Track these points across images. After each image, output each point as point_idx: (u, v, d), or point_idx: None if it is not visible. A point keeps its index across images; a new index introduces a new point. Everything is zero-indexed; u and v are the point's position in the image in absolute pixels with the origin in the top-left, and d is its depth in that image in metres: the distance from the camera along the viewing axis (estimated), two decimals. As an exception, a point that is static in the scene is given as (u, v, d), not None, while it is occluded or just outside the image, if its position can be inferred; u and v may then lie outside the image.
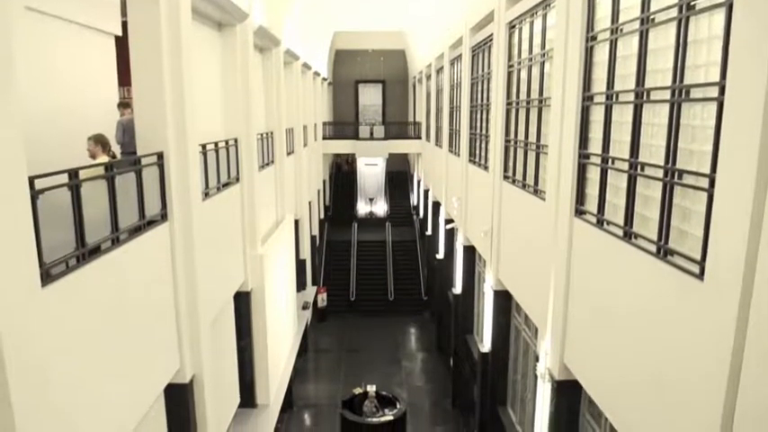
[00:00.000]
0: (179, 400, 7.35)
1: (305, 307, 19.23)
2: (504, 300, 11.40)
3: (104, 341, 5.28)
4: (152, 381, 6.56)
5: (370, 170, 34.64)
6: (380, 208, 34.06)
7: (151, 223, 6.55)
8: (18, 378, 3.84)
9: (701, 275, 4.39)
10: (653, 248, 5.22)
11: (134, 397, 6.00)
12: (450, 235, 18.16)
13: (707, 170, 4.48)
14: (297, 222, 18.77)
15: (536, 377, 8.79)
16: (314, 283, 23.05)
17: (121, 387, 5.63)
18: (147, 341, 6.32)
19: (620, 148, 6.16)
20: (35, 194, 4.18)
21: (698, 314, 4.39)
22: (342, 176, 35.52)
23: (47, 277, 4.39)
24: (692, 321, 4.48)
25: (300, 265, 19.71)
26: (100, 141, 6.35)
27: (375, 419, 14.74)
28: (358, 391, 15.99)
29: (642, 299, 5.43)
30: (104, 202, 5.53)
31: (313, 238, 23.20)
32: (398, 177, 35.59)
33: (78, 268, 4.85)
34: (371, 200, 34.14)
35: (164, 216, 6.90)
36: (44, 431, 4.17)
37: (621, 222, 5.92)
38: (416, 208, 31.06)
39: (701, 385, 4.32)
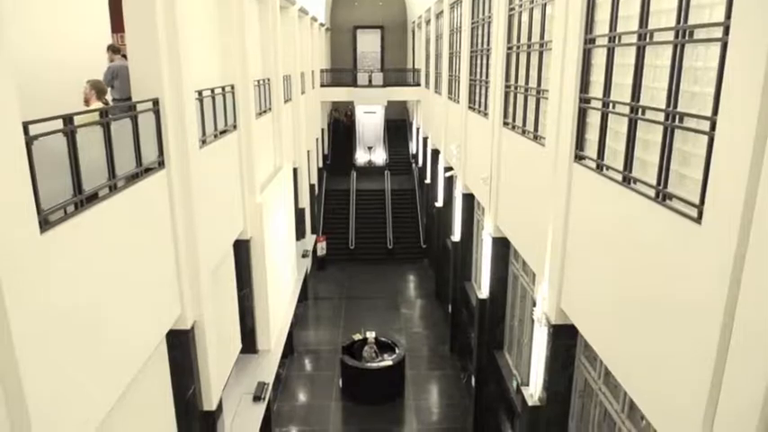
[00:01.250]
0: (180, 346, 7.49)
1: (304, 255, 19.39)
2: (502, 247, 11.49)
3: (104, 287, 5.33)
4: (153, 326, 6.66)
5: (369, 118, 34.26)
6: (379, 157, 33.88)
7: (148, 171, 6.51)
8: (21, 325, 3.89)
9: (698, 219, 4.39)
10: (652, 193, 5.22)
11: (136, 342, 6.10)
12: (449, 183, 18.14)
13: (708, 113, 4.42)
14: (295, 171, 18.69)
15: (533, 322, 8.95)
16: (313, 232, 23.18)
17: (123, 332, 5.72)
18: (147, 288, 6.39)
19: (622, 91, 6.07)
20: (30, 140, 4.13)
21: (695, 257, 4.43)
22: (340, 132, 35.04)
23: (45, 224, 4.39)
24: (689, 265, 4.52)
25: (299, 213, 19.77)
26: (96, 87, 6.25)
27: (374, 364, 15.13)
28: (358, 336, 16.35)
29: (639, 244, 5.46)
30: (100, 148, 5.47)
31: (312, 186, 23.17)
32: (397, 126, 35.27)
33: (76, 215, 4.85)
34: (370, 148, 33.92)
35: (161, 163, 6.85)
36: (47, 377, 4.24)
37: (621, 167, 5.89)
38: (415, 156, 30.89)
39: (695, 328, 4.39)
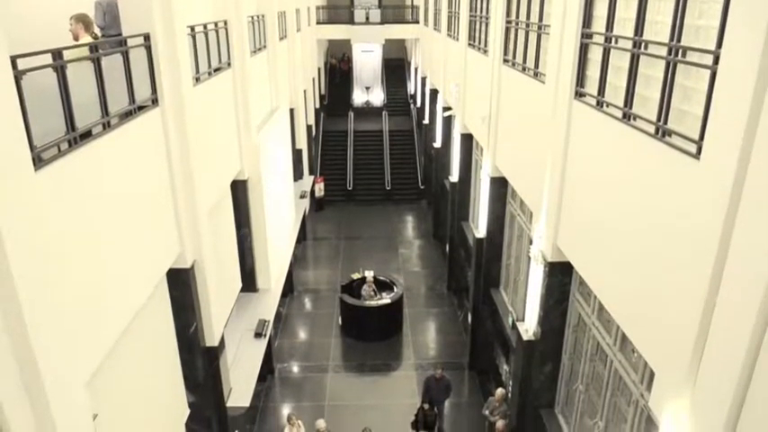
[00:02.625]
0: (181, 284, 7.61)
1: (302, 196, 19.41)
2: (500, 186, 11.49)
3: (102, 225, 5.35)
4: (153, 265, 6.74)
5: (367, 58, 33.54)
6: (377, 97, 33.37)
7: (142, 108, 6.42)
8: (21, 264, 3.92)
9: (697, 155, 4.37)
10: (651, 129, 5.17)
11: (136, 280, 6.18)
12: (448, 123, 17.94)
13: (712, 47, 4.32)
14: (292, 111, 18.46)
15: (529, 260, 9.06)
16: (311, 173, 23.11)
17: (123, 270, 5.78)
18: (145, 226, 6.42)
19: (625, 26, 5.92)
20: (19, 75, 4.04)
21: (691, 193, 4.43)
22: (337, 78, 34.24)
23: (39, 161, 4.36)
24: (686, 200, 4.53)
25: (297, 154, 19.65)
26: (82, 20, 6.06)
27: (373, 302, 15.41)
28: (356, 276, 16.59)
29: (637, 180, 5.46)
30: (92, 85, 5.37)
31: (309, 127, 22.94)
32: (395, 65, 34.57)
33: (70, 152, 4.81)
34: (368, 89, 33.37)
35: (154, 101, 6.75)
36: (49, 314, 4.31)
37: (621, 104, 5.81)
38: (414, 96, 30.44)
39: (689, 264, 4.45)
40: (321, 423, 9.95)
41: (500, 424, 9.65)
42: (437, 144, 20.49)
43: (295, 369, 14.07)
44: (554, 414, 8.87)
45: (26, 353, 4.05)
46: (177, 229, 7.32)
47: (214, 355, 8.47)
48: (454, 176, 16.30)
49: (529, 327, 8.86)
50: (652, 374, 5.53)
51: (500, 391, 10.45)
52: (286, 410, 12.16)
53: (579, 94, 6.96)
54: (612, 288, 6.17)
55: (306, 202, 19.90)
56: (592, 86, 6.70)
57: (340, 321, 15.75)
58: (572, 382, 8.28)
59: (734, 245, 3.94)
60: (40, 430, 4.28)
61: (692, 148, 4.50)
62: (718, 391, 4.04)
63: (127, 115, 6.04)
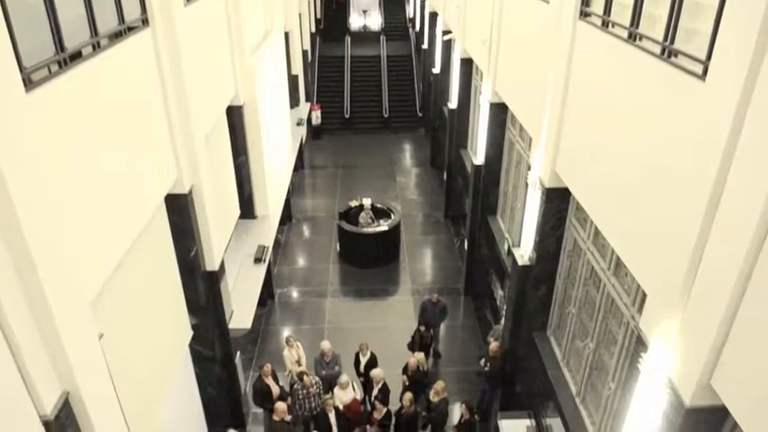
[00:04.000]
0: (180, 210, 7.62)
1: (299, 124, 19.16)
2: (499, 112, 11.34)
3: (97, 148, 5.29)
4: (151, 189, 6.72)
5: (364, -22, 32.28)
6: (375, 21, 32.33)
7: (132, 29, 6.21)
8: (19, 187, 3.91)
9: (703, 75, 4.28)
10: (657, 50, 5.03)
11: (135, 204, 6.18)
12: (448, 47, 17.46)
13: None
14: (287, 35, 17.89)
15: (526, 187, 9.07)
16: (307, 100, 22.71)
17: (121, 193, 5.77)
18: (141, 150, 6.35)
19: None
20: (3, -6, 3.87)
21: (694, 115, 4.38)
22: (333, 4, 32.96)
23: (29, 83, 4.26)
24: (688, 122, 4.48)
25: (293, 80, 19.22)
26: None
27: (371, 229, 15.55)
28: (354, 203, 16.65)
29: (639, 102, 5.37)
30: (79, 3, 5.17)
31: (305, 52, 22.32)
32: (393, -14, 33.29)
33: (61, 74, 4.69)
34: (365, 12, 32.27)
35: (144, 21, 6.52)
36: (50, 236, 4.34)
37: (627, 23, 5.63)
38: (413, 20, 29.50)
39: (688, 185, 4.45)
40: (326, 344, 10.25)
41: (493, 345, 9.96)
42: (436, 70, 20.05)
43: (294, 294, 14.38)
44: (546, 336, 9.15)
45: (30, 273, 4.10)
46: (174, 155, 7.26)
47: (215, 279, 8.61)
48: (453, 103, 16.05)
49: (524, 252, 8.98)
50: (644, 298, 5.66)
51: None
52: (286, 333, 12.50)
53: (584, 14, 6.73)
54: (609, 213, 6.21)
55: (303, 130, 19.66)
56: (597, 5, 6.48)
57: (338, 248, 15.95)
58: (565, 305, 8.49)
59: (734, 169, 3.93)
60: (47, 349, 4.41)
61: (698, 69, 4.40)
62: (709, 312, 4.14)
63: (117, 36, 5.85)
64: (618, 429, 5.83)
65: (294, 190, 19.22)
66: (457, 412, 9.63)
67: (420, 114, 25.64)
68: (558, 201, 7.95)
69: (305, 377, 9.40)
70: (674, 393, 4.60)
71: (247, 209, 12.11)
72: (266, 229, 12.37)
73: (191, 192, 7.71)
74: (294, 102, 19.25)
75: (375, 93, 26.39)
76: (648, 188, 5.19)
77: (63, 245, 4.51)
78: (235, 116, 11.08)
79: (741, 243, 3.78)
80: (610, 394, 6.93)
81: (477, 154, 12.82)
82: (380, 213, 16.36)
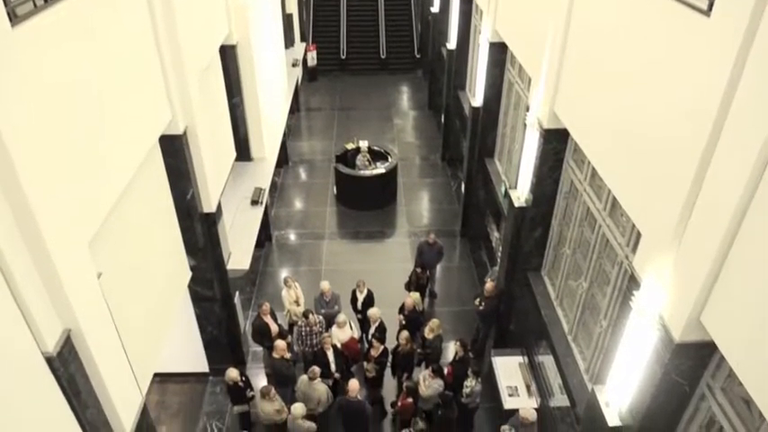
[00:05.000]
0: (175, 151, 7.55)
1: (294, 64, 18.78)
2: (498, 52, 11.10)
3: (88, 88, 5.18)
4: (144, 130, 6.63)
5: None
6: (371, -44, 31.14)
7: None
8: (9, 125, 3.86)
9: (708, 10, 4.16)
10: (662, -16, 4.88)
11: (129, 144, 6.11)
12: (446, -15, 16.94)
13: None
14: (280, -29, 17.27)
15: (525, 128, 8.98)
16: (302, 40, 22.18)
17: (114, 133, 5.70)
18: (133, 91, 6.23)
19: None
20: None
21: (697, 52, 4.29)
22: None
23: (14, 17, 4.12)
24: (690, 60, 4.41)
25: (287, 19, 18.72)
26: None
27: (367, 172, 15.50)
28: (351, 146, 16.52)
29: (642, 40, 5.26)
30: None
31: (299, -11, 21.62)
32: None
33: (47, 8, 4.54)
34: (361, -54, 31.04)
35: (131, -46, 6.27)
36: (44, 176, 4.31)
37: (632, -44, 5.44)
38: (410, -44, 28.41)
39: (687, 123, 4.41)
40: (325, 284, 10.39)
41: (489, 285, 10.11)
42: (435, 9, 19.49)
43: (292, 236, 14.46)
44: (540, 276, 9.29)
45: (26, 214, 4.11)
46: (167, 95, 7.13)
47: (212, 220, 8.63)
48: (452, 43, 15.69)
49: (521, 194, 8.99)
50: (638, 238, 5.71)
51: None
52: (284, 275, 12.65)
53: (588, -53, 6.50)
54: (607, 154, 6.18)
55: (298, 71, 19.28)
56: (602, -62, 6.24)
57: (335, 191, 15.94)
58: (560, 246, 8.57)
59: (734, 107, 3.88)
60: (47, 287, 4.46)
61: (704, 5, 4.28)
62: (702, 251, 4.19)
63: (103, -32, 5.63)
64: (608, 365, 6.00)
65: (290, 132, 19.03)
66: (451, 350, 9.87)
67: (418, 55, 25.10)
68: (555, 142, 7.90)
69: (309, 315, 9.58)
70: (665, 329, 4.70)
71: (243, 151, 12.02)
72: (263, 171, 12.32)
73: (185, 133, 7.62)
74: (289, 42, 18.80)
75: (372, 33, 25.75)
76: (647, 129, 5.14)
77: (57, 185, 4.50)
78: (229, 57, 10.84)
79: (737, 183, 3.79)
80: (601, 332, 7.10)
81: (476, 95, 12.63)
82: (377, 156, 16.27)
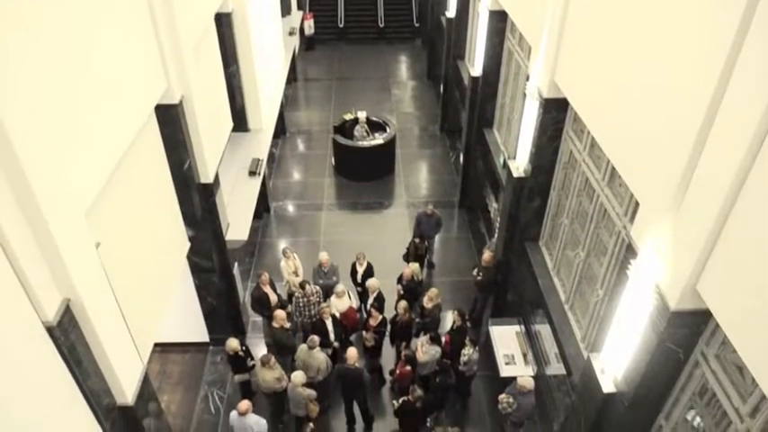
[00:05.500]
0: (171, 121, 7.47)
1: (291, 33, 18.50)
2: (499, 20, 10.93)
3: (81, 55, 5.10)
4: (139, 99, 6.56)
5: None
6: None
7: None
8: (6, 102, 3.81)
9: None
10: (665, -52, 4.79)
11: (125, 113, 6.05)
12: (446, -49, 16.60)
13: None
14: (276, -64, 16.89)
15: (524, 98, 8.90)
16: (299, 8, 21.81)
17: (110, 102, 5.64)
18: (128, 59, 6.14)
19: None
20: None
21: (698, 21, 4.23)
22: None
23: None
24: (692, 23, 4.34)
25: (283, -14, 18.38)
26: None
27: (366, 143, 15.41)
28: (349, 116, 16.39)
29: (642, 7, 5.17)
30: None
31: (295, -44, 21.18)
32: None
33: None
34: None
35: None
36: (39, 146, 4.28)
37: None
38: None
39: (688, 89, 4.38)
40: (324, 255, 10.42)
41: (486, 255, 10.15)
42: (433, -25, 19.16)
43: (290, 207, 14.45)
44: (538, 247, 9.32)
45: (22, 184, 4.09)
46: (162, 64, 7.04)
47: (210, 191, 8.61)
48: (451, 12, 15.45)
49: (520, 164, 8.96)
50: (636, 208, 5.71)
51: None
52: (282, 246, 12.68)
53: None
54: (607, 122, 6.14)
55: (295, 40, 19.01)
56: None
57: (333, 162, 15.88)
58: (558, 216, 8.58)
59: (736, 74, 3.84)
60: (45, 257, 4.47)
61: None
62: (700, 219, 4.19)
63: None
64: (604, 334, 6.06)
65: (288, 103, 18.87)
66: (449, 319, 9.96)
67: (417, 24, 24.74)
68: (555, 111, 7.84)
69: (306, 286, 9.63)
70: (660, 298, 4.74)
71: (240, 121, 11.93)
72: (260, 142, 12.25)
73: (181, 102, 7.54)
74: (285, 10, 18.50)
75: (370, 1, 25.32)
76: (648, 96, 5.10)
77: (53, 155, 4.47)
78: (224, 25, 10.67)
79: (736, 152, 3.77)
80: (597, 301, 7.15)
81: (475, 65, 12.49)
82: (376, 126, 16.16)
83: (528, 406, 8.08)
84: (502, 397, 8.24)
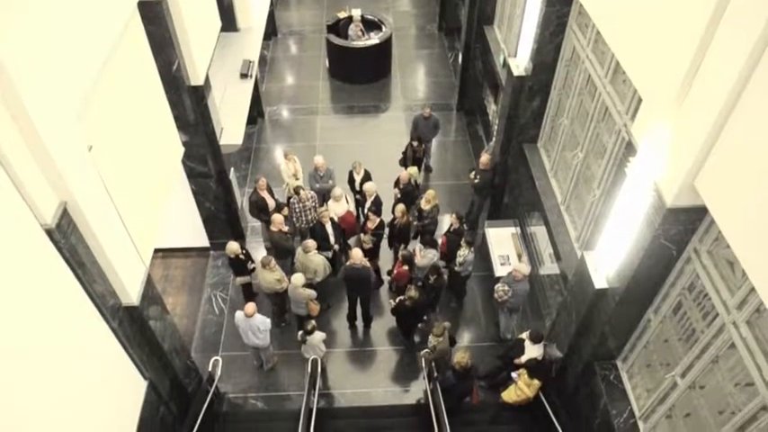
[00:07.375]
0: (156, 18, 7.12)
1: (280, -77, 17.35)
2: None
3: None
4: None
5: None
6: None
7: None
8: None
9: None
10: None
11: (105, 12, 5.73)
12: None
13: None
14: None
15: (526, -9, 8.48)
16: None
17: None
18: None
19: None
20: None
21: None
22: None
23: None
24: None
25: None
26: None
27: (361, 43, 14.87)
28: (343, 15, 15.71)
29: None
30: None
31: None
32: None
33: None
34: None
35: None
36: (24, 47, 4.08)
37: None
38: None
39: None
40: (319, 158, 10.34)
41: (484, 158, 10.09)
42: None
43: (284, 112, 14.18)
44: (536, 148, 9.25)
45: (6, 84, 3.94)
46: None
47: (201, 94, 8.38)
48: None
49: (520, 62, 8.68)
50: (638, 105, 5.59)
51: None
52: (279, 151, 12.57)
53: None
54: (613, 14, 5.87)
55: (284, -68, 17.87)
56: None
57: (327, 64, 15.40)
58: (558, 117, 8.44)
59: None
60: (37, 160, 4.40)
61: None
62: (703, 113, 4.11)
63: None
64: (598, 232, 6.13)
65: (278, 2, 18.02)
66: (447, 222, 10.06)
67: None
68: (559, 4, 7.49)
69: (301, 191, 9.63)
70: (657, 195, 4.74)
71: (228, 19, 11.41)
72: (250, 42, 11.79)
73: (165, -2, 7.16)
74: None
75: None
76: (657, -16, 4.84)
77: (36, 54, 4.28)
78: None
79: (743, 46, 3.63)
80: (594, 200, 7.19)
81: (475, -44, 11.80)
82: (371, 26, 15.52)
83: (523, 292, 8.33)
84: (498, 286, 8.48)
